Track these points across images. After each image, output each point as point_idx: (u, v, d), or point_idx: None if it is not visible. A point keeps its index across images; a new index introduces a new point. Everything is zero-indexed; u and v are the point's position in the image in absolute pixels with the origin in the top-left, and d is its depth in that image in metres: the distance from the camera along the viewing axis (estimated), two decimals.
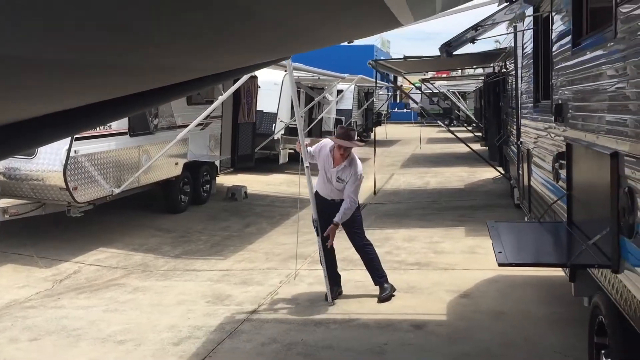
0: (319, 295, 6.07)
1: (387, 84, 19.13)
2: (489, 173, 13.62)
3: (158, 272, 7.44)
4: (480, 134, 21.95)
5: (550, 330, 4.91)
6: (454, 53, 7.40)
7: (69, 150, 7.49)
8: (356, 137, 6.11)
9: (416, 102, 17.80)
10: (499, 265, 3.08)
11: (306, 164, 6.02)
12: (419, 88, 26.67)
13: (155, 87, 1.58)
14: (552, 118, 4.32)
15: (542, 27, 5.34)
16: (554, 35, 4.51)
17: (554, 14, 4.48)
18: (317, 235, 6.07)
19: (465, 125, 27.13)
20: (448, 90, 29.76)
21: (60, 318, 5.70)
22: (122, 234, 9.06)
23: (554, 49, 4.49)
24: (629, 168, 2.61)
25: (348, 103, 23.76)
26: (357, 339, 4.94)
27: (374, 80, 16.38)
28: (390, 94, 32.98)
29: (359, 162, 5.96)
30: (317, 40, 3.04)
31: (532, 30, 5.70)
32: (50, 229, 8.88)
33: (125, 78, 1.30)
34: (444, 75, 30.72)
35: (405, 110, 41.81)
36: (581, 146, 3.43)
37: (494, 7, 6.15)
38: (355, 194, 5.93)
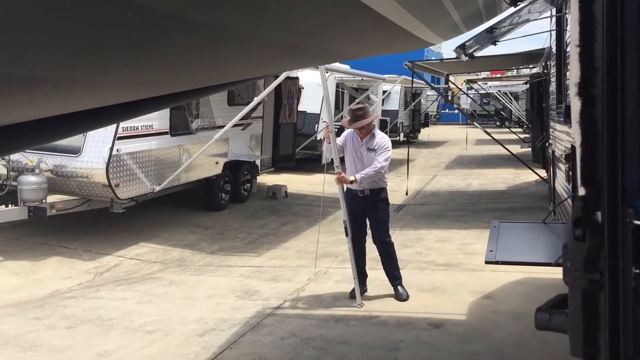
0: (344, 292, 6.19)
1: (433, 85, 19.02)
2: (534, 175, 13.40)
3: (193, 267, 7.71)
4: (528, 135, 21.57)
5: None
6: (477, 55, 7.35)
7: (111, 148, 7.86)
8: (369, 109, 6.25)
9: (448, 102, 17.59)
10: (485, 262, 3.13)
11: (336, 163, 6.13)
12: (468, 89, 26.38)
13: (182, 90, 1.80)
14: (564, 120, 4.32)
15: (563, 28, 5.31)
16: (567, 35, 4.48)
17: (567, 13, 4.46)
18: (347, 235, 6.15)
19: (509, 126, 26.61)
20: (499, 91, 29.32)
21: (97, 308, 6.02)
22: (162, 230, 9.40)
23: (567, 49, 4.47)
24: None
25: (394, 104, 23.72)
26: (374, 335, 5.04)
27: (417, 80, 16.32)
28: (439, 95, 32.76)
29: (382, 133, 6.18)
30: (341, 56, 3.21)
31: (555, 31, 5.68)
32: (96, 224, 9.31)
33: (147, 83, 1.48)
34: (498, 75, 30.29)
35: (455, 111, 41.46)
36: None
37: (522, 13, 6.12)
38: (385, 162, 5.92)
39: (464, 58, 7.27)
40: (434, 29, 3.02)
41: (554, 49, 6.32)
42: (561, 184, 5.30)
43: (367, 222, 6.19)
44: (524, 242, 3.55)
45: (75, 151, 7.99)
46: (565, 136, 4.55)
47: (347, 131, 6.26)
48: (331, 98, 16.73)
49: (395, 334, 5.03)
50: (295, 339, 5.01)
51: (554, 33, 6.13)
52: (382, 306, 5.79)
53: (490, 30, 6.09)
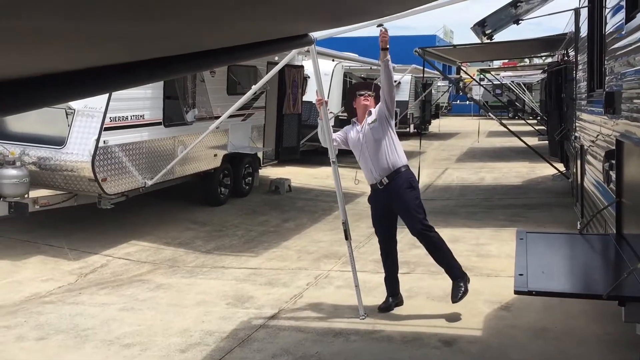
0: (346, 300, 5.62)
1: (445, 75, 18.30)
2: (550, 169, 12.74)
3: (185, 268, 7.16)
4: (543, 127, 20.83)
5: (597, 353, 4.29)
6: (495, 36, 6.67)
7: (97, 140, 7.30)
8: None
9: (461, 93, 16.88)
10: (515, 293, 2.53)
11: (332, 158, 5.53)
12: (480, 79, 25.65)
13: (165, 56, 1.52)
14: (603, 110, 3.69)
15: (597, 3, 4.66)
16: (607, 11, 3.86)
17: None
18: (347, 239, 5.55)
19: (524, 118, 25.84)
20: (512, 81, 28.55)
21: (75, 315, 5.48)
22: (156, 227, 8.86)
23: (607, 28, 3.85)
24: None
25: (404, 94, 22.99)
26: (377, 354, 4.46)
27: (428, 69, 15.65)
28: (451, 85, 31.95)
29: None
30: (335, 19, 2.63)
31: (587, 9, 5.03)
32: (87, 220, 8.78)
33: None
34: (511, 66, 29.54)
35: (467, 102, 40.56)
36: (633, 144, 2.81)
37: None
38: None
39: (482, 38, 6.58)
40: None
41: (582, 32, 5.66)
42: (592, 183, 4.67)
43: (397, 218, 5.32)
44: (560, 262, 2.94)
45: (59, 142, 7.45)
46: (604, 129, 3.92)
47: (346, 127, 5.63)
48: (339, 88, 16.11)
49: (401, 353, 4.44)
50: (288, 357, 4.44)
51: (584, 13, 5.47)
52: (388, 317, 5.20)
53: (515, 4, 5.39)
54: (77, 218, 8.77)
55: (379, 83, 5.59)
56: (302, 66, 12.64)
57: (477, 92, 32.62)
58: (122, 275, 6.94)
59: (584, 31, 5.61)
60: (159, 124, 8.45)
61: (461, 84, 26.51)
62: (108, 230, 8.52)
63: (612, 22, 3.68)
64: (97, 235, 8.26)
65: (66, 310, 5.65)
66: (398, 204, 5.18)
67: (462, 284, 5.08)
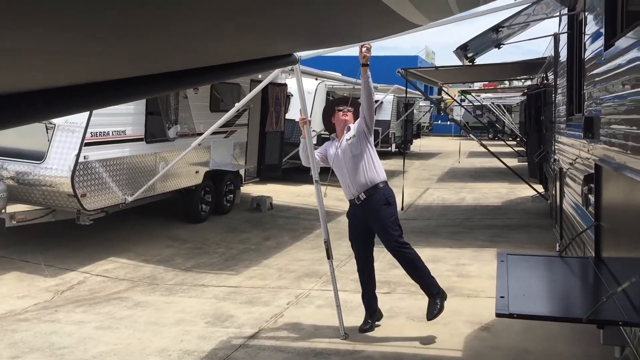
0: (327, 320, 5.59)
1: (427, 95, 18.50)
2: (529, 190, 12.88)
3: (164, 286, 7.08)
4: (522, 148, 21.10)
5: None
6: (477, 59, 6.78)
7: (77, 155, 7.23)
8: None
9: (442, 113, 17.08)
10: (497, 315, 2.54)
11: (315, 177, 5.54)
12: (461, 100, 25.94)
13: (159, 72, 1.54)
14: (582, 134, 3.74)
15: (577, 30, 4.75)
16: (586, 37, 3.93)
17: (586, 13, 3.90)
18: (328, 258, 5.54)
19: (504, 139, 26.18)
20: (492, 103, 28.92)
21: (50, 334, 5.38)
22: (136, 244, 8.77)
23: (586, 54, 3.92)
24: None
25: (386, 114, 23.19)
26: None
27: (411, 90, 15.77)
28: (432, 105, 32.25)
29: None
30: (319, 41, 2.63)
31: (567, 34, 5.12)
32: (64, 236, 8.66)
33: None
34: (491, 88, 29.94)
35: (448, 122, 40.99)
36: (611, 169, 2.86)
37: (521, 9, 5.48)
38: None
39: (464, 61, 6.66)
40: (421, 7, 2.47)
41: (562, 57, 5.76)
42: (571, 206, 4.73)
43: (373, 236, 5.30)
44: (540, 285, 2.96)
45: (39, 157, 7.37)
46: (583, 152, 3.98)
47: (325, 143, 5.63)
48: (322, 107, 16.16)
49: None
50: None
51: (563, 38, 5.57)
52: (368, 338, 5.18)
53: (496, 29, 5.48)
54: (55, 234, 8.65)
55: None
56: (285, 84, 12.70)
57: (458, 113, 32.95)
58: (100, 293, 6.84)
59: (563, 56, 5.72)
60: (140, 140, 8.40)
61: (442, 105, 26.81)
62: (86, 246, 8.40)
63: (591, 48, 3.75)
64: (74, 252, 8.15)
65: (41, 328, 5.54)
66: (374, 220, 5.15)
67: (438, 301, 5.05)
